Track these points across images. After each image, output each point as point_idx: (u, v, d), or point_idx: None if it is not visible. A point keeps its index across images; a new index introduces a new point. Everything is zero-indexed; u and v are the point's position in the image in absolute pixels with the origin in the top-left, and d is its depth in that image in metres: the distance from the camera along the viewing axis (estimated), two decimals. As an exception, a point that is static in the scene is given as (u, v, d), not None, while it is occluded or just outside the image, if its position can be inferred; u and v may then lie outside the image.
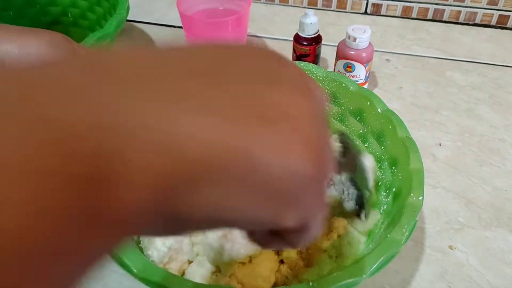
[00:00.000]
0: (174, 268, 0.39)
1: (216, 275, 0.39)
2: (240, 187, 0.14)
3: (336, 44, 0.62)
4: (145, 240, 0.40)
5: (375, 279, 0.43)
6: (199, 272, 0.38)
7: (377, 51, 0.71)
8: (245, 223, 0.16)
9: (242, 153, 0.13)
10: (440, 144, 0.58)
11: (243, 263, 0.38)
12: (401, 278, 0.44)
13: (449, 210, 0.50)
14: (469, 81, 0.68)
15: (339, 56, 0.61)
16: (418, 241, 0.47)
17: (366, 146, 0.47)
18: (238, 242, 0.38)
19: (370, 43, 0.60)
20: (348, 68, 0.61)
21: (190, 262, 0.40)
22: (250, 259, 0.38)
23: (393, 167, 0.42)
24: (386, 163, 0.43)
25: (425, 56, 0.74)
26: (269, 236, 0.18)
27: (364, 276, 0.31)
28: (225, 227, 0.16)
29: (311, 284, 0.30)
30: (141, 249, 0.40)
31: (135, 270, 0.30)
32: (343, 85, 0.48)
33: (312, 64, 0.51)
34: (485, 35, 0.79)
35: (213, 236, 0.38)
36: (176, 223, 0.14)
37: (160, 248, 0.39)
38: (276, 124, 0.14)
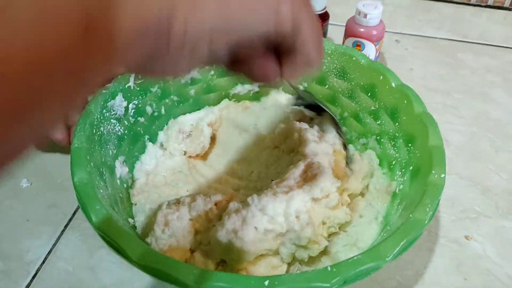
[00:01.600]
0: (174, 257, 0.35)
1: (222, 266, 0.36)
2: None
3: (343, 24, 0.58)
4: (139, 227, 0.37)
5: (387, 271, 0.40)
6: (202, 261, 0.35)
7: (386, 31, 0.67)
8: (245, 29, 0.19)
9: None
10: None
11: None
12: (414, 269, 0.40)
13: (464, 198, 0.47)
14: (482, 63, 0.65)
15: (348, 34, 0.57)
16: (432, 230, 0.43)
17: (378, 124, 0.43)
18: (249, 241, 0.33)
19: (381, 21, 0.57)
20: (357, 46, 0.57)
21: (192, 251, 0.36)
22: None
23: (410, 145, 0.39)
24: (401, 140, 0.40)
25: (436, 37, 0.70)
26: (265, 59, 0.23)
27: (387, 259, 0.28)
28: (226, 44, 0.20)
29: (329, 268, 0.27)
30: (138, 237, 0.37)
31: (134, 257, 0.27)
32: (354, 58, 0.44)
33: (320, 38, 0.47)
34: (498, 16, 0.75)
35: (221, 232, 0.35)
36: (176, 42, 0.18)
37: (159, 235, 0.35)
38: None
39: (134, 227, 0.37)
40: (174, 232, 0.36)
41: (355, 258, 0.28)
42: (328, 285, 0.26)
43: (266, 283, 0.26)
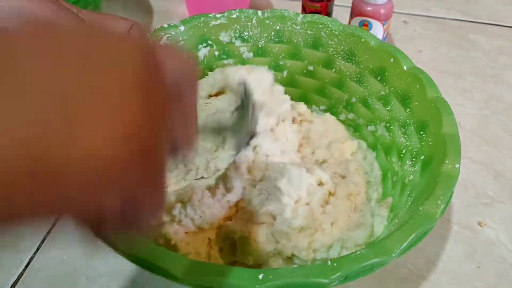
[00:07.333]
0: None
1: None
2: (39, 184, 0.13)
3: (349, 5, 0.56)
4: None
5: (397, 259, 0.38)
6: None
7: (393, 12, 0.64)
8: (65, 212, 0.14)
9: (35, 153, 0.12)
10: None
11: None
12: (425, 258, 0.39)
13: (477, 183, 0.45)
14: (495, 45, 0.62)
15: (354, 13, 0.55)
16: (444, 217, 0.41)
17: (388, 110, 0.41)
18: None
19: (389, -1, 0.54)
20: (364, 26, 0.54)
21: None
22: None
23: (421, 132, 0.36)
24: (412, 127, 0.38)
25: (446, 18, 0.67)
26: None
27: (393, 255, 0.26)
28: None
29: (329, 263, 0.25)
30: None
31: (120, 246, 0.25)
32: (363, 40, 0.42)
33: (326, 17, 0.44)
34: (510, -3, 0.72)
35: None
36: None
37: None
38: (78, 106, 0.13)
39: None
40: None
41: (358, 252, 0.26)
42: (327, 281, 0.24)
43: (260, 276, 0.24)
